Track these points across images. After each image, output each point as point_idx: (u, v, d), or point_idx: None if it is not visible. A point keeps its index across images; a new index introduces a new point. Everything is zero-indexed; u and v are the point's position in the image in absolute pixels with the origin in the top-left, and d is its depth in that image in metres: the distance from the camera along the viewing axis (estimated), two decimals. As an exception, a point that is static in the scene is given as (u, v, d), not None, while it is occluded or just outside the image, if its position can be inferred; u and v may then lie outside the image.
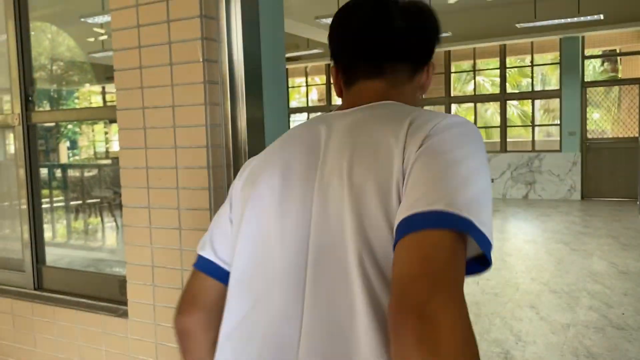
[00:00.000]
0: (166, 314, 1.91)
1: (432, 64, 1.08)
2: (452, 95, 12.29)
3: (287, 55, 10.46)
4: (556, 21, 8.92)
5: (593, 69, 13.47)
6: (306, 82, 14.40)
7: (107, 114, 2.35)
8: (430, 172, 0.79)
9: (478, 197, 0.77)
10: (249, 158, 1.78)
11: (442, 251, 0.71)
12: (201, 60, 1.78)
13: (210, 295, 1.06)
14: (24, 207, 2.51)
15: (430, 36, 1.07)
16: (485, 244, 0.76)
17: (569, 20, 8.82)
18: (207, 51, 1.79)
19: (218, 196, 1.82)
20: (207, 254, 1.07)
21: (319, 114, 1.10)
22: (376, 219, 0.82)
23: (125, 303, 2.04)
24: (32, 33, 2.50)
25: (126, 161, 1.97)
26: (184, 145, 1.84)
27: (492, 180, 11.25)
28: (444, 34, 9.67)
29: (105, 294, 2.22)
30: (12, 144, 2.58)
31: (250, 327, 0.95)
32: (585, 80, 11.07)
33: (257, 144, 1.83)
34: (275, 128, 1.97)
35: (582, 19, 8.70)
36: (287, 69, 12.52)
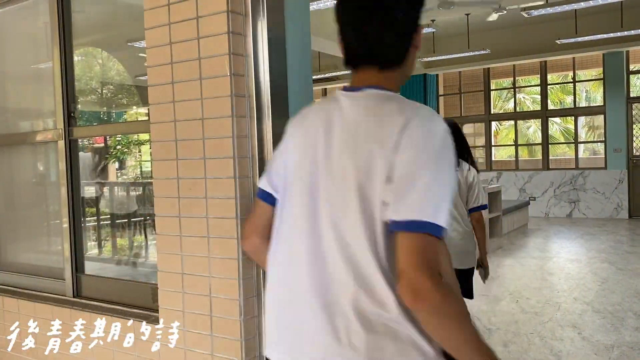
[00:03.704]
0: (195, 320, 1.97)
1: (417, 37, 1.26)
2: (492, 112, 12.13)
3: (326, 75, 10.58)
4: (598, 36, 8.73)
5: (640, 84, 13.07)
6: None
7: (141, 128, 2.46)
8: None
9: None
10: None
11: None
12: (228, 74, 1.85)
13: (268, 219, 1.37)
14: (65, 225, 2.62)
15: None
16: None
17: (611, 35, 8.61)
18: (235, 66, 1.86)
19: (244, 205, 1.87)
20: (263, 185, 1.38)
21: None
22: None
23: (157, 310, 2.11)
24: (83, 58, 2.65)
25: (158, 172, 2.05)
26: (212, 156, 1.91)
27: (534, 199, 11.02)
28: (482, 52, 9.40)
29: (138, 301, 2.29)
30: (56, 162, 2.71)
31: None
32: (631, 95, 10.76)
33: (282, 155, 1.88)
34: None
35: (625, 33, 8.49)
36: (325, 89, 12.71)
